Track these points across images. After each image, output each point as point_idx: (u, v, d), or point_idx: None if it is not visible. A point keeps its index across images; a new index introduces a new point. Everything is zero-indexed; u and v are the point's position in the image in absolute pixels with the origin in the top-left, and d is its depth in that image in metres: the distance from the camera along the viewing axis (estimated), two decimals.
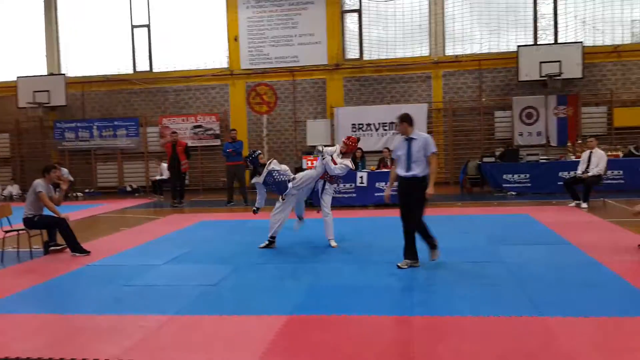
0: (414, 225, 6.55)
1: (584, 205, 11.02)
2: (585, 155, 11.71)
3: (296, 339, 4.47)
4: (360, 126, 17.15)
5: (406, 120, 6.57)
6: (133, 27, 18.64)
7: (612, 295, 5.26)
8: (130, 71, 18.74)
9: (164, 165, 15.94)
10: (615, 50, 16.15)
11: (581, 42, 15.93)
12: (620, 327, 4.40)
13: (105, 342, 4.46)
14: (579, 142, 14.88)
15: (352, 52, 17.73)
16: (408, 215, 6.56)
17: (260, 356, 4.08)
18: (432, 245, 6.68)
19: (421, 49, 17.31)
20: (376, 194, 12.43)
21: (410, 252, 6.60)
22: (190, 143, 17.92)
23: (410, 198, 6.48)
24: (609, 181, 12.53)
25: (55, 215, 8.07)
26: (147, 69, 18.68)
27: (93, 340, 4.54)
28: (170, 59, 18.49)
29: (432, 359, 3.95)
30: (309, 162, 13.94)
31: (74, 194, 16.92)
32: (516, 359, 3.91)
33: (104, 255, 7.92)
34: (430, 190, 6.40)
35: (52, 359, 4.13)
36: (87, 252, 7.91)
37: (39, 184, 8.07)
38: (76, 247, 7.94)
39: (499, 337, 4.31)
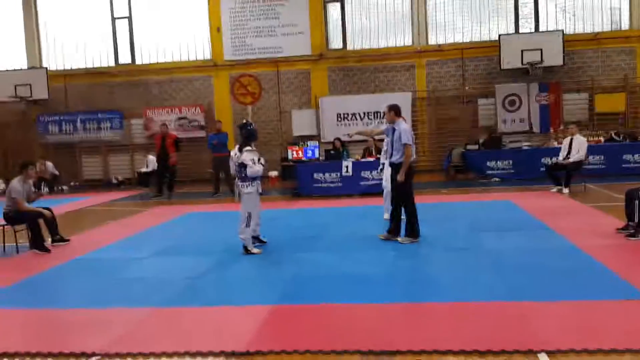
0: (396, 206, 7.34)
1: (566, 190, 11.21)
2: (566, 141, 11.89)
3: (281, 328, 4.55)
4: (346, 116, 17.21)
5: (393, 109, 7.21)
6: (114, 19, 18.47)
7: (587, 279, 5.39)
8: (112, 63, 18.60)
9: (151, 157, 15.89)
10: (595, 38, 16.33)
11: (562, 30, 16.09)
12: (595, 310, 4.52)
13: (91, 335, 4.51)
14: (561, 128, 15.08)
15: (336, 42, 17.74)
16: (394, 197, 7.40)
17: (246, 345, 4.15)
18: (392, 228, 7.28)
19: (404, 39, 17.37)
20: (362, 183, 12.54)
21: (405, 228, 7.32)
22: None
23: (393, 182, 7.34)
24: (590, 166, 12.71)
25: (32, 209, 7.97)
26: (129, 61, 18.54)
27: (79, 334, 4.59)
28: (153, 50, 18.39)
29: (411, 344, 4.04)
30: (294, 153, 14.09)
31: (60, 187, 16.83)
32: (491, 343, 4.02)
33: (91, 248, 7.95)
34: (399, 176, 7.05)
35: (39, 352, 4.18)
36: (47, 250, 7.77)
37: (14, 188, 7.83)
38: (37, 243, 7.79)
39: (476, 322, 4.40)
